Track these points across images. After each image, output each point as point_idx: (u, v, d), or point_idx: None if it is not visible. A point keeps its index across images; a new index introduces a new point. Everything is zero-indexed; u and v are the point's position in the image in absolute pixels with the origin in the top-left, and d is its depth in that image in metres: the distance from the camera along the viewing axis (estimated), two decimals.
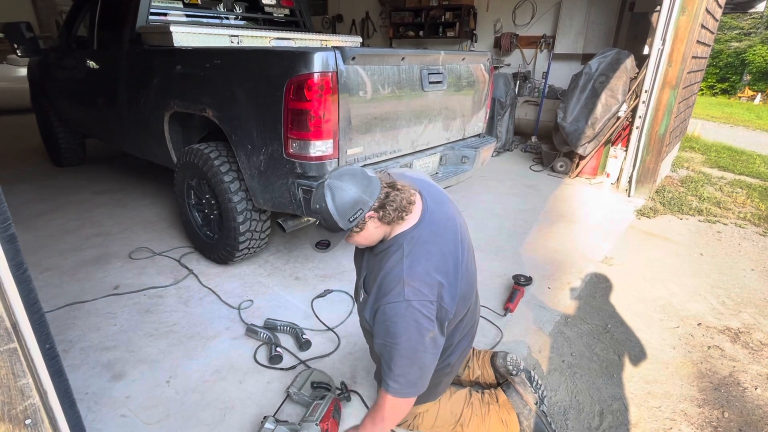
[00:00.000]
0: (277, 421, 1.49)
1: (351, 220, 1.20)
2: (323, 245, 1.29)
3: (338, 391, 1.72)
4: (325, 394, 1.65)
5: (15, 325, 0.74)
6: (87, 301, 2.33)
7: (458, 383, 1.80)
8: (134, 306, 2.32)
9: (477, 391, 1.64)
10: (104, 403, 1.70)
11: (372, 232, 1.27)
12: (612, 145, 4.54)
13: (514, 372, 1.72)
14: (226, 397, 1.75)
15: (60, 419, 0.87)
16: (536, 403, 1.62)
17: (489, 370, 1.77)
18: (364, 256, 1.43)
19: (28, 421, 0.79)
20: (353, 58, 2.01)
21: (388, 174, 1.37)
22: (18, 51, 3.74)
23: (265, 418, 1.49)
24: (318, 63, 1.91)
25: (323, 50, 1.93)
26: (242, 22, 3.73)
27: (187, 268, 2.70)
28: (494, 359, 1.77)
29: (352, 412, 1.69)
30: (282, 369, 1.89)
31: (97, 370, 1.87)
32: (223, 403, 1.72)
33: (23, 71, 6.08)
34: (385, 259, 1.28)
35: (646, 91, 4.03)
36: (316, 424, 1.50)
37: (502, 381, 1.74)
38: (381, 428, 1.36)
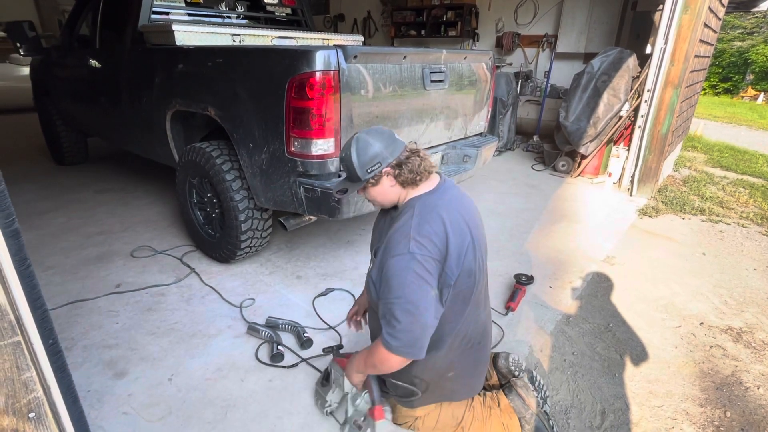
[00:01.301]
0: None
1: (369, 171, 1.31)
2: (342, 192, 1.43)
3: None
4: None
5: (18, 319, 0.75)
6: (89, 300, 2.34)
7: None
8: (136, 304, 2.32)
9: (479, 394, 1.63)
10: (106, 401, 1.70)
11: (386, 189, 1.35)
12: (614, 145, 4.53)
13: (517, 373, 1.71)
14: (228, 395, 1.75)
15: (63, 414, 0.87)
16: (539, 404, 1.61)
17: (491, 371, 1.77)
18: (383, 227, 1.49)
19: (31, 415, 0.79)
20: (355, 57, 2.01)
21: (418, 147, 1.43)
22: (20, 50, 3.75)
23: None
24: (320, 61, 1.91)
25: (325, 49, 1.93)
26: (244, 21, 3.73)
27: (188, 266, 2.70)
28: (496, 360, 1.76)
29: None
30: (283, 367, 1.89)
31: (99, 367, 1.87)
32: (225, 401, 1.72)
33: (26, 70, 6.10)
34: (396, 221, 1.34)
35: (648, 90, 4.02)
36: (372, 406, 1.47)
37: (505, 382, 1.74)
38: (368, 372, 1.42)
